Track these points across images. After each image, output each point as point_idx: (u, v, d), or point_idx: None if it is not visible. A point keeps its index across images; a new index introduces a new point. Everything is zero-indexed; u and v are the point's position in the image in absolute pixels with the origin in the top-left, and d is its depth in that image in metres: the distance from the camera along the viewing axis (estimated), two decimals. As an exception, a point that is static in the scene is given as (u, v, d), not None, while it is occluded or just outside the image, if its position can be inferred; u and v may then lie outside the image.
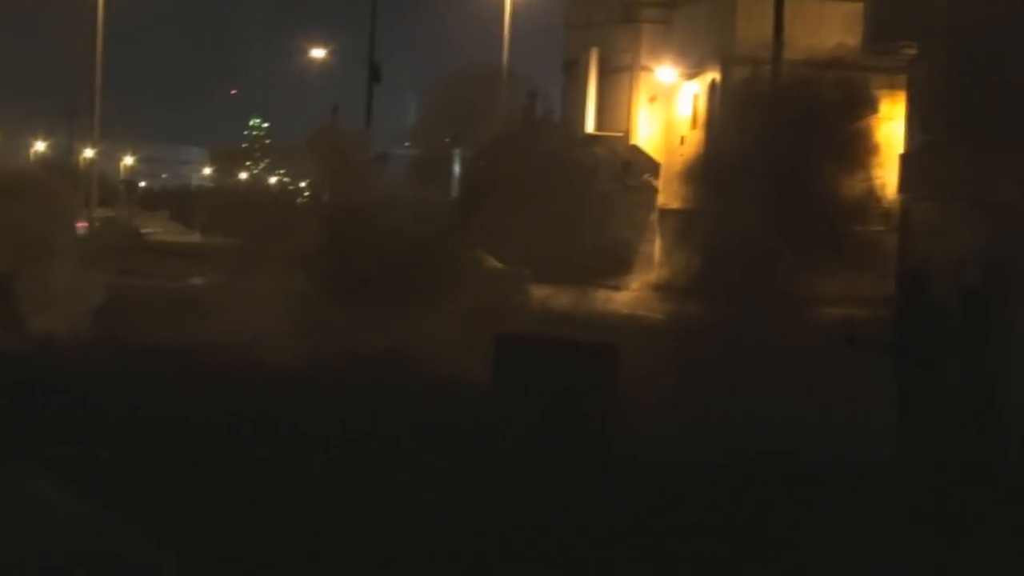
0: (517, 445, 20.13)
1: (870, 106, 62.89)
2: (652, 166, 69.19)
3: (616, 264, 51.29)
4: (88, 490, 17.94)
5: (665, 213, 65.79)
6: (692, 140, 69.00)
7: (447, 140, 53.88)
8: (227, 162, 77.24)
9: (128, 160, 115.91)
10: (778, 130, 44.09)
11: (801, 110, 48.15)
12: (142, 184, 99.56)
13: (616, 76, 73.57)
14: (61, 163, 76.79)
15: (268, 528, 16.34)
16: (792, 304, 35.82)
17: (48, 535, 15.30)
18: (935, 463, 20.22)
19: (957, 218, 51.19)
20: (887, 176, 61.05)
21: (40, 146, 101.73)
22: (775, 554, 16.21)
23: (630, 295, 46.28)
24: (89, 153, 78.39)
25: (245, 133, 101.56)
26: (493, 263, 52.41)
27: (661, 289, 46.23)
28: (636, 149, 70.13)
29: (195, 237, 53.17)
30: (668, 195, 67.80)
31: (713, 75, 66.60)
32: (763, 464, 20.65)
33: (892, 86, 61.31)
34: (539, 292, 49.76)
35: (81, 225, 52.09)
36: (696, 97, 69.34)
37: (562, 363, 21.66)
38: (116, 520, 16.48)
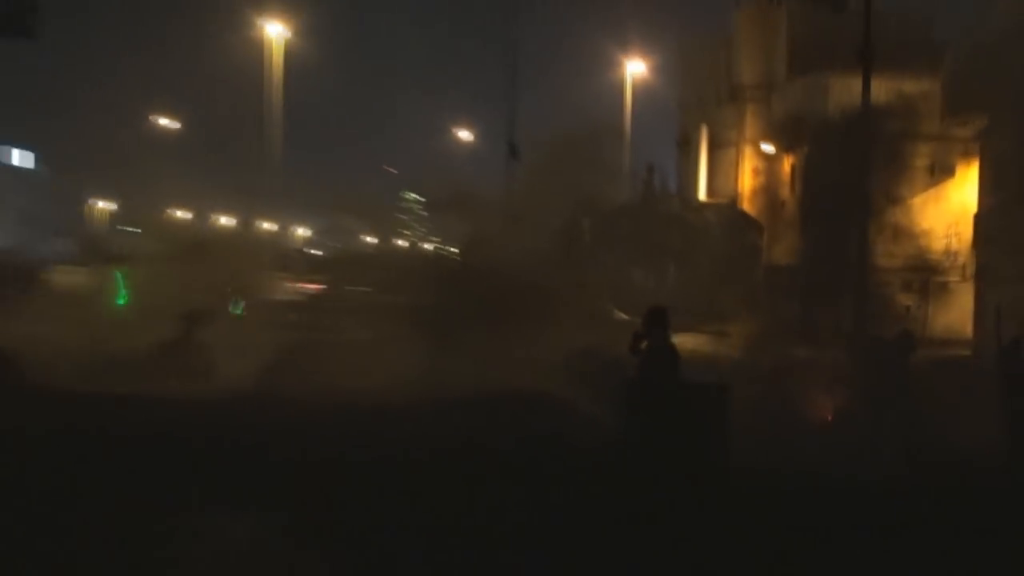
0: (646, 470, 20.23)
1: (947, 171, 63.04)
2: (757, 228, 69.09)
3: (728, 314, 51.28)
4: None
5: (769, 269, 65.70)
6: (791, 205, 68.95)
7: (577, 205, 53.97)
8: (387, 231, 77.63)
9: (301, 231, 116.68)
10: (865, 194, 44.02)
11: (886, 177, 48.00)
12: (315, 252, 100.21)
13: (724, 150, 73.77)
14: (242, 234, 77.15)
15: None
16: (884, 345, 35.77)
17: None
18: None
19: (1024, 269, 50.79)
20: (964, 232, 61.21)
21: (223, 220, 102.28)
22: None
23: (739, 341, 46.15)
24: (267, 226, 79.10)
25: (401, 205, 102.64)
26: (619, 314, 52.46)
27: (768, 335, 46.19)
28: (743, 213, 70.12)
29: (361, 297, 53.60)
30: (771, 253, 67.69)
31: (807, 148, 66.60)
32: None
33: (967, 153, 61.14)
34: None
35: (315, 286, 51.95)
36: (794, 167, 69.21)
37: (683, 401, 21.74)
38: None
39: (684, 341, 45.89)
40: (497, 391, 31.41)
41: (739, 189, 72.62)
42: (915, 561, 16.21)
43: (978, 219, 57.59)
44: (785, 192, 70.05)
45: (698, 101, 77.32)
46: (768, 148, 70.22)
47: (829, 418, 29.08)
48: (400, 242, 69.82)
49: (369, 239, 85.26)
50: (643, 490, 19.11)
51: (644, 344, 19.97)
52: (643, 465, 20.01)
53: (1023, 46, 51.58)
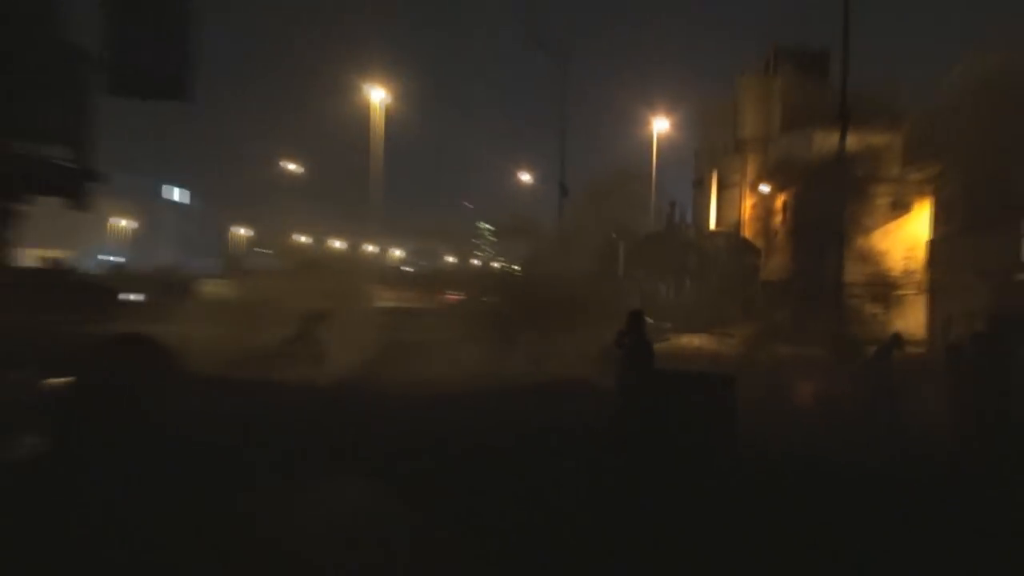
0: (669, 444, 20.12)
1: (905, 207, 62.86)
2: (755, 252, 69.02)
3: (731, 318, 51.21)
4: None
5: (764, 283, 65.66)
6: (782, 233, 68.87)
7: (614, 232, 54.01)
8: (464, 253, 78.13)
9: (397, 252, 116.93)
10: (840, 224, 43.76)
11: (857, 212, 47.62)
12: (407, 268, 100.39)
13: (730, 189, 73.64)
14: (350, 255, 77.36)
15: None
16: (855, 343, 35.63)
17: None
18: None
19: (966, 285, 50.79)
20: (918, 255, 61.20)
21: (336, 243, 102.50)
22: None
23: (740, 340, 45.99)
24: (369, 248, 79.38)
25: (476, 232, 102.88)
26: (646, 318, 52.28)
27: (764, 335, 46.05)
28: (745, 240, 69.97)
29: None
30: (766, 271, 67.59)
31: (795, 188, 66.51)
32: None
33: (921, 193, 61.15)
34: (678, 339, 49.69)
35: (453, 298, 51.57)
36: (785, 203, 69.09)
37: (698, 389, 21.64)
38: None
39: (694, 340, 45.82)
40: (548, 381, 31.47)
41: (741, 220, 72.43)
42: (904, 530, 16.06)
43: (930, 245, 57.71)
44: (777, 222, 69.99)
45: (710, 151, 77.30)
46: (764, 188, 70.08)
47: (817, 405, 28.96)
48: (474, 261, 70.00)
49: (450, 259, 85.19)
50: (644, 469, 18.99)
51: (626, 339, 19.96)
52: (639, 444, 20.00)
53: (964, 112, 51.79)
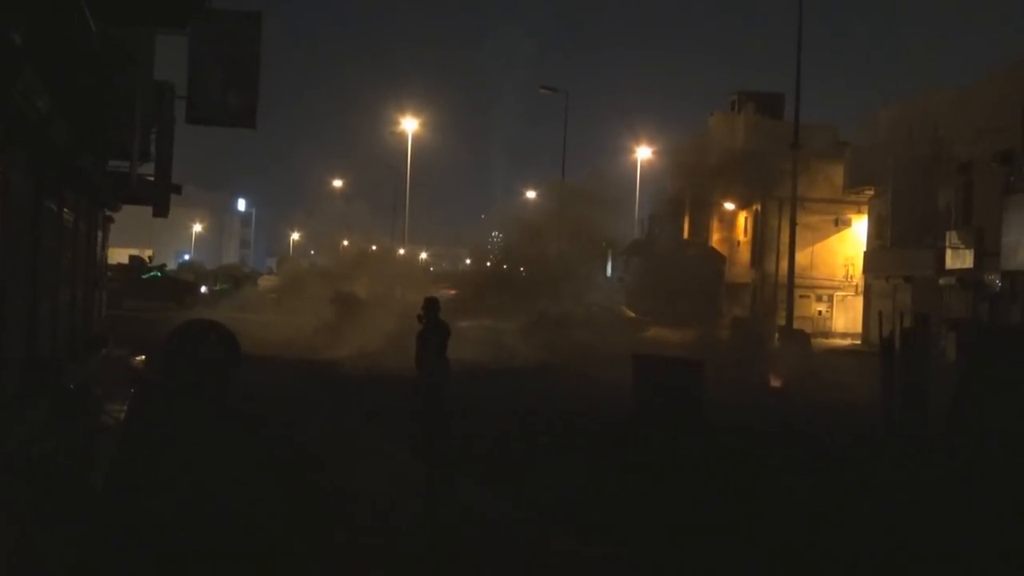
0: (648, 419, 20.28)
1: (846, 224, 62.97)
2: (721, 259, 69.12)
3: (701, 313, 51.38)
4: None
5: (728, 286, 65.85)
6: (744, 244, 68.97)
7: (603, 243, 54.12)
8: (480, 257, 78.60)
9: (424, 255, 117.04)
10: (792, 237, 43.77)
11: (806, 226, 47.44)
12: (432, 268, 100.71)
13: (701, 207, 73.36)
14: (385, 255, 77.67)
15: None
16: (803, 335, 35.67)
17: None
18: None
19: (896, 288, 51.03)
20: (856, 263, 61.20)
21: (372, 246, 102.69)
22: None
23: (707, 331, 46.10)
24: (401, 251, 79.51)
25: (490, 240, 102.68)
26: (628, 312, 52.56)
27: (725, 327, 46.26)
28: (712, 249, 69.98)
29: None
30: (730, 275, 67.76)
31: (756, 207, 66.45)
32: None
33: (859, 212, 61.26)
34: (654, 330, 49.77)
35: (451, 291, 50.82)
36: (745, 219, 69.11)
37: (672, 371, 21.81)
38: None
39: (671, 333, 45.91)
40: (542, 363, 31.71)
41: (710, 233, 72.40)
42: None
43: (865, 255, 58.05)
44: (740, 235, 70.12)
45: (684, 174, 77.08)
46: (729, 206, 70.15)
47: (763, 382, 29.09)
48: (487, 263, 70.24)
49: (467, 261, 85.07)
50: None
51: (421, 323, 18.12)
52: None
53: (891, 147, 52.10)
